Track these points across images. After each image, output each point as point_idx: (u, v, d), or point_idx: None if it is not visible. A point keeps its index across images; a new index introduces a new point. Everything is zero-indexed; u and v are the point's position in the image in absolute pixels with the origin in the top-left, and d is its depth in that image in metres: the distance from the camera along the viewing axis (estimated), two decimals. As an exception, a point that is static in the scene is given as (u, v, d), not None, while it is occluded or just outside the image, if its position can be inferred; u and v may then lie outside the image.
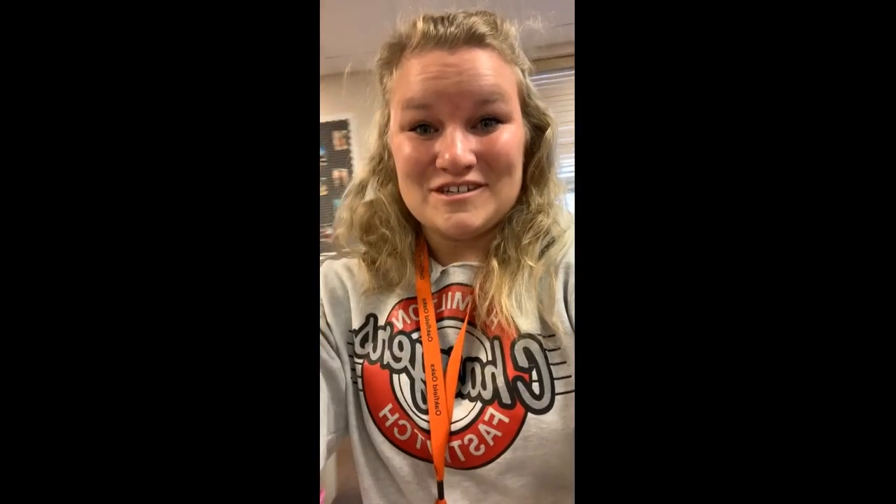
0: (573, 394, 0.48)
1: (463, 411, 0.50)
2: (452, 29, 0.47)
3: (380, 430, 0.53)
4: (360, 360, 0.56)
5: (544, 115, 0.54)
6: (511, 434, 0.48)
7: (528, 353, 0.49)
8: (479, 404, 0.49)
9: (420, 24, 0.48)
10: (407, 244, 0.56)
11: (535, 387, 0.48)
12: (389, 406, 0.53)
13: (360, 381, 0.55)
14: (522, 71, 0.52)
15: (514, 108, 0.50)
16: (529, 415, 0.48)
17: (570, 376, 0.49)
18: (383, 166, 0.56)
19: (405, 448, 0.52)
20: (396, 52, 0.51)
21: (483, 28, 0.48)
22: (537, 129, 0.54)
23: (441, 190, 0.48)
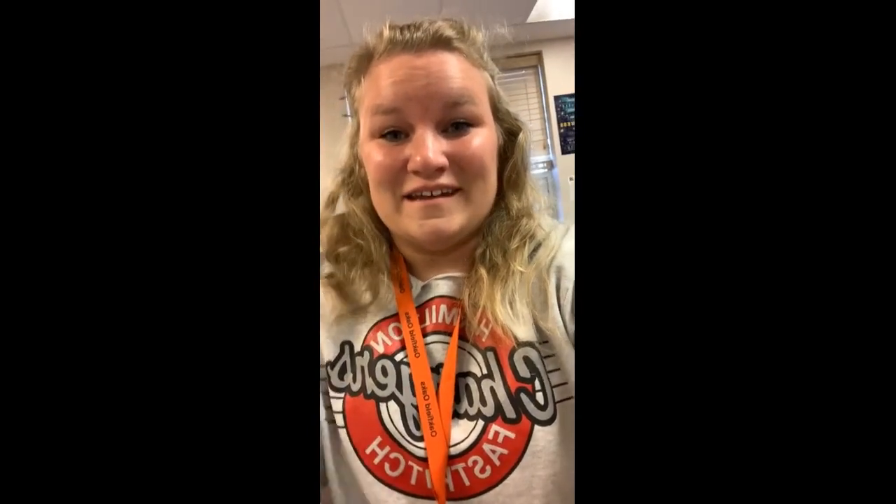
0: (571, 401, 0.46)
1: (462, 432, 0.47)
2: (419, 34, 0.47)
3: (368, 469, 0.48)
4: (340, 395, 0.51)
5: (516, 120, 0.54)
6: (518, 451, 0.45)
7: (528, 362, 0.47)
8: (481, 422, 0.46)
9: (386, 32, 0.48)
10: (382, 254, 0.53)
11: (539, 397, 0.46)
12: (378, 440, 0.48)
13: (341, 417, 0.50)
14: (491, 77, 0.52)
15: (485, 111, 0.50)
16: (536, 427, 0.45)
17: (566, 383, 0.47)
18: (354, 178, 0.55)
19: (398, 486, 0.48)
20: (364, 61, 0.50)
21: (449, 32, 0.47)
22: (510, 133, 0.53)
23: (413, 196, 0.47)
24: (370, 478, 0.48)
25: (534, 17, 2.55)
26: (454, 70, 0.47)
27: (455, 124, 0.47)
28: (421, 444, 0.47)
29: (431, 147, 0.46)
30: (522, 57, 2.93)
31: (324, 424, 0.52)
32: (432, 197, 0.47)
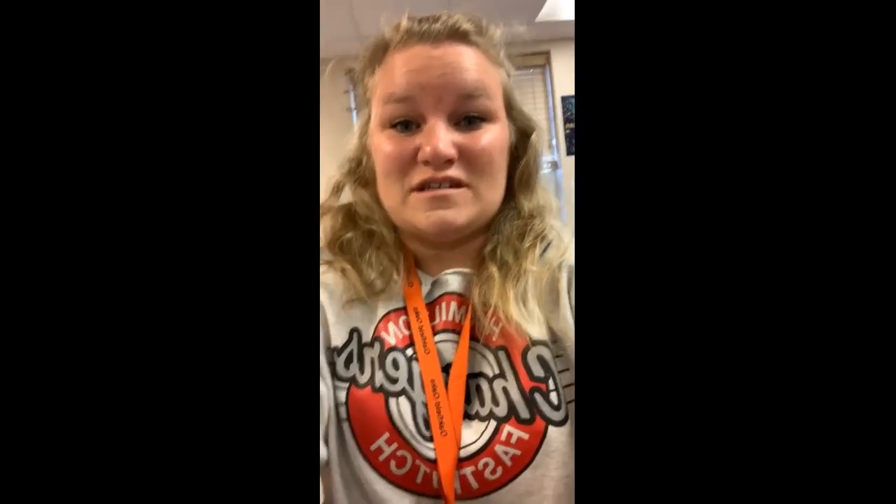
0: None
1: (473, 434, 0.46)
2: (436, 25, 0.46)
3: (372, 465, 0.46)
4: (345, 385, 0.48)
5: (529, 119, 0.53)
6: (531, 451, 0.44)
7: (542, 361, 0.46)
8: (493, 423, 0.45)
9: (404, 23, 0.48)
10: (393, 238, 0.52)
11: (553, 397, 0.45)
12: (386, 436, 0.46)
13: (344, 409, 0.48)
14: (507, 75, 0.51)
15: (499, 107, 0.49)
16: (550, 428, 0.44)
17: (573, 384, 0.46)
18: (361, 168, 0.54)
19: (403, 484, 0.46)
20: (379, 51, 0.50)
21: (467, 25, 0.47)
22: (522, 133, 0.53)
23: (421, 188, 0.46)
24: (373, 475, 0.46)
25: (543, 16, 2.54)
26: (470, 63, 0.47)
27: (468, 118, 0.47)
28: (430, 445, 0.45)
29: (442, 138, 0.45)
30: (530, 56, 2.92)
31: (332, 410, 0.49)
32: (441, 188, 0.46)
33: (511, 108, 0.52)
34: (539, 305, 0.48)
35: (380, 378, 0.48)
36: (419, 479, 0.46)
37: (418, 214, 0.47)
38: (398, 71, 0.47)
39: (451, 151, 0.45)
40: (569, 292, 0.48)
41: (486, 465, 0.45)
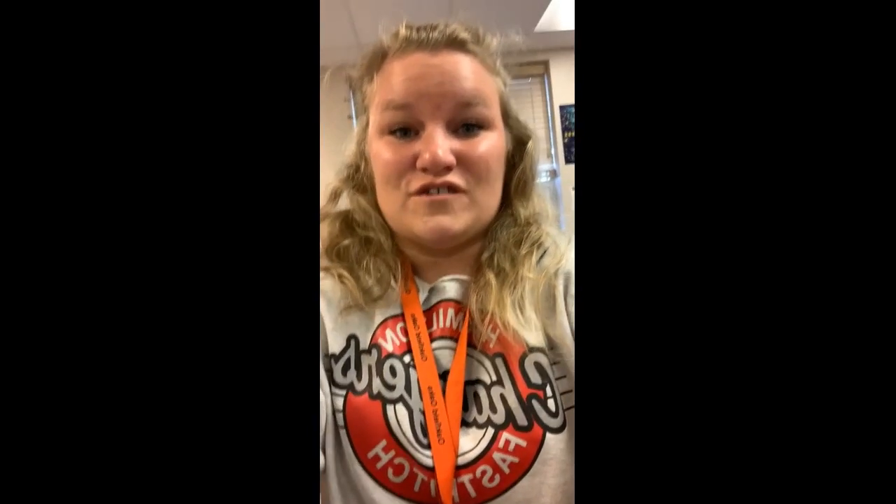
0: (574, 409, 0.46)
1: (471, 441, 0.46)
2: (434, 34, 0.47)
3: (369, 473, 0.46)
4: (342, 392, 0.48)
5: (525, 128, 0.54)
6: (529, 459, 0.44)
7: (539, 367, 0.46)
8: (491, 430, 0.45)
9: (402, 31, 0.48)
10: (390, 245, 0.53)
11: (550, 404, 0.45)
12: (383, 443, 0.46)
13: (341, 416, 0.48)
14: (504, 83, 0.52)
15: (496, 115, 0.50)
16: (548, 435, 0.44)
17: (571, 391, 0.46)
18: (359, 175, 0.54)
19: (401, 493, 0.46)
20: (377, 59, 0.50)
21: (464, 34, 0.48)
22: (518, 141, 0.53)
23: (420, 192, 0.47)
24: (371, 482, 0.46)
25: (541, 26, 2.55)
26: (468, 71, 0.47)
27: (465, 126, 0.47)
28: (428, 453, 0.45)
29: (441, 144, 0.45)
30: (529, 66, 2.93)
31: (330, 417, 0.49)
32: (439, 193, 0.47)
33: (508, 117, 0.52)
34: (536, 312, 0.48)
35: (377, 385, 0.48)
36: (417, 487, 0.46)
37: (416, 220, 0.47)
38: (397, 78, 0.47)
39: (449, 158, 0.45)
40: (565, 299, 0.48)
41: (484, 472, 0.44)
